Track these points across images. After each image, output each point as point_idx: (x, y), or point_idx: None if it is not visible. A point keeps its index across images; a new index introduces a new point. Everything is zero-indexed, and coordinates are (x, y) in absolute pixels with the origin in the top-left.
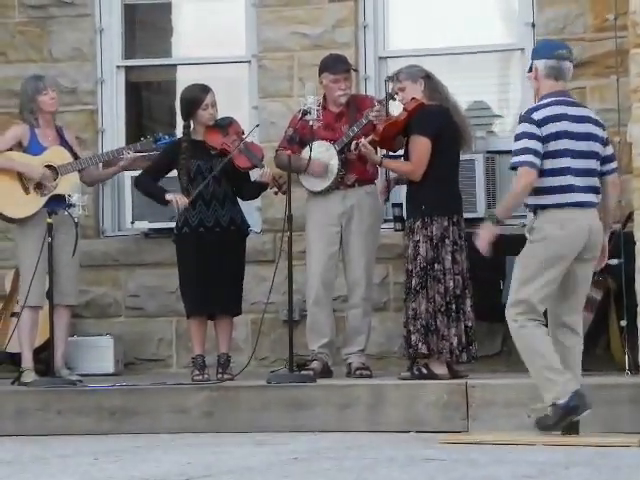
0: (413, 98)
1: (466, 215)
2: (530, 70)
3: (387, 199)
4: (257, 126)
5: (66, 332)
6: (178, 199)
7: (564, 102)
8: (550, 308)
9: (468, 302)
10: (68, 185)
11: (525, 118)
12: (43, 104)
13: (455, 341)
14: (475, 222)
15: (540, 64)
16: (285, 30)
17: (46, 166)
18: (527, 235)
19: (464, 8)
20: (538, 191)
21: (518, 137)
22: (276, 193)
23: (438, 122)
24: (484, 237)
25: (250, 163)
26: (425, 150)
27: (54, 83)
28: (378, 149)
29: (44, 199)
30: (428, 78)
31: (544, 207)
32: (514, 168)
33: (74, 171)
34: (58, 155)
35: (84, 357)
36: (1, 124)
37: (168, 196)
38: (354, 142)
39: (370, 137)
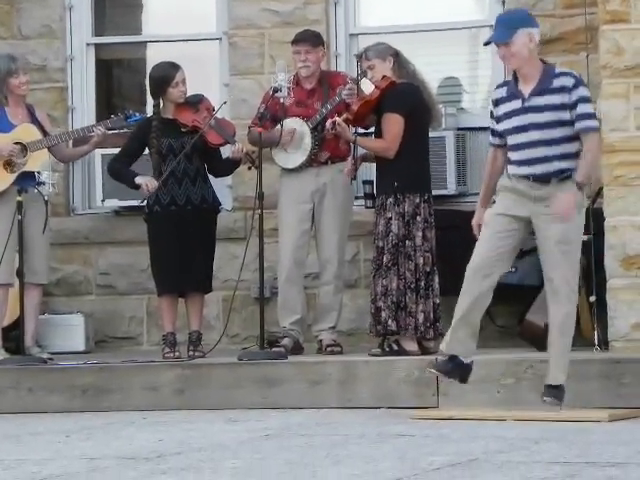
0: (384, 76)
1: (436, 192)
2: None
3: (354, 178)
4: (225, 103)
5: (36, 311)
6: (148, 183)
7: None
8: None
9: (436, 279)
10: (38, 162)
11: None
12: (13, 87)
13: (422, 317)
14: (445, 199)
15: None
16: (256, 7)
17: (15, 143)
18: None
19: None
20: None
21: (588, 100)
22: (249, 168)
23: (410, 99)
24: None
25: (222, 139)
26: (399, 127)
27: (26, 66)
28: (350, 127)
29: (13, 176)
30: (396, 55)
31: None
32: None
33: (44, 148)
34: (28, 132)
35: (55, 335)
36: None
37: (138, 179)
38: (329, 121)
39: (344, 116)
